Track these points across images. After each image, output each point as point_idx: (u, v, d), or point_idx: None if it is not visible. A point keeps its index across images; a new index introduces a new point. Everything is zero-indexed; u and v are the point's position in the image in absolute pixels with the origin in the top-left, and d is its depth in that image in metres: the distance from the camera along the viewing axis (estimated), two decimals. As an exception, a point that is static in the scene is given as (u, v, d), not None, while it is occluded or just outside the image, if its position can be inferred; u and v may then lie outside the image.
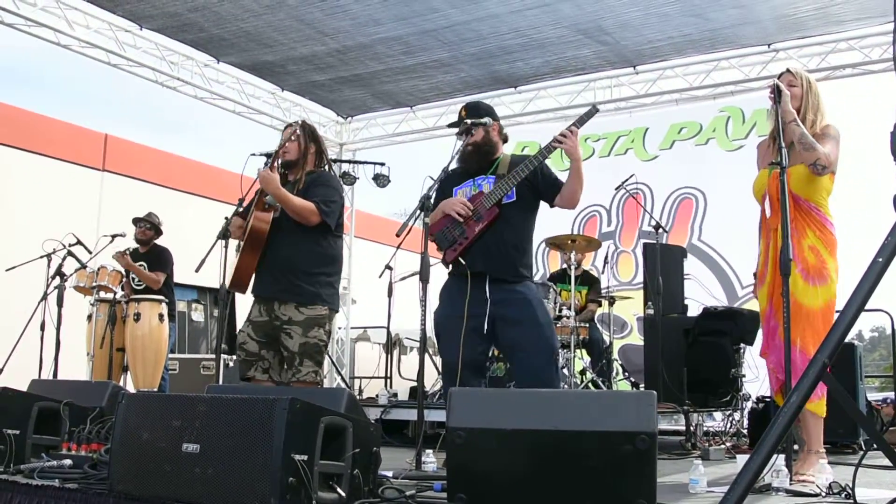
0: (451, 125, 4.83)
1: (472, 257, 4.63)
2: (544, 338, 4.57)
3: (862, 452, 5.81)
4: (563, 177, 4.75)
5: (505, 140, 5.04)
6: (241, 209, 5.12)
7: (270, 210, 5.00)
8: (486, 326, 4.54)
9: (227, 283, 5.00)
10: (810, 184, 4.19)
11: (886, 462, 2.26)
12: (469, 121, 4.80)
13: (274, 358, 5.03)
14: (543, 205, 4.84)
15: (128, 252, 8.07)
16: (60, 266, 7.68)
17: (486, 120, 4.82)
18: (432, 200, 4.56)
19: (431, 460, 4.32)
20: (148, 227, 8.31)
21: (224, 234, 4.99)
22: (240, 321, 6.82)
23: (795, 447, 4.29)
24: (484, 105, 5.00)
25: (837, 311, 3.66)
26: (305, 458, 2.84)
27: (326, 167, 5.31)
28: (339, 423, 3.07)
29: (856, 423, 5.88)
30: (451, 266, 4.75)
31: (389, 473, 3.98)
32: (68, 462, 3.76)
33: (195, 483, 2.92)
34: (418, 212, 4.51)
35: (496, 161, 4.83)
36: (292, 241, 4.97)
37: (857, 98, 9.00)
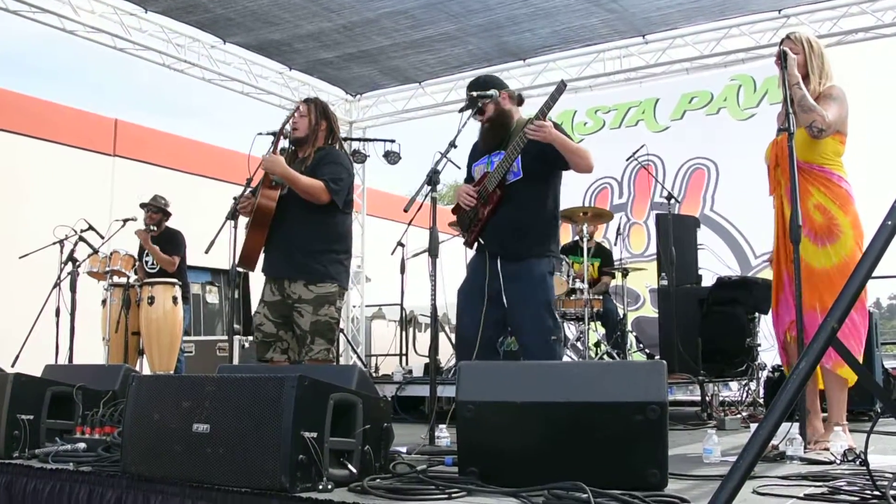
0: (461, 110, 4.77)
1: (487, 237, 4.72)
2: (540, 319, 4.60)
3: (875, 419, 5.78)
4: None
5: (520, 103, 5.01)
6: (248, 189, 5.11)
7: (278, 188, 4.99)
8: (504, 301, 4.61)
9: (236, 260, 5.00)
10: (810, 147, 4.14)
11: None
12: (475, 94, 4.75)
13: (292, 338, 5.04)
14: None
15: (150, 230, 8.10)
16: (72, 252, 7.69)
17: (492, 92, 4.77)
18: (438, 175, 4.54)
19: (445, 435, 4.32)
20: (154, 210, 8.30)
21: (233, 215, 4.98)
22: (254, 302, 6.83)
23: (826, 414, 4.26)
24: (487, 78, 4.96)
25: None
26: (315, 435, 2.84)
27: (336, 145, 5.28)
28: (349, 400, 3.06)
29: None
30: (475, 246, 4.82)
31: (403, 449, 3.99)
32: (82, 445, 3.78)
33: (206, 463, 2.93)
34: (426, 187, 4.50)
35: (512, 131, 4.78)
36: (300, 219, 4.96)
37: (870, 62, 8.88)
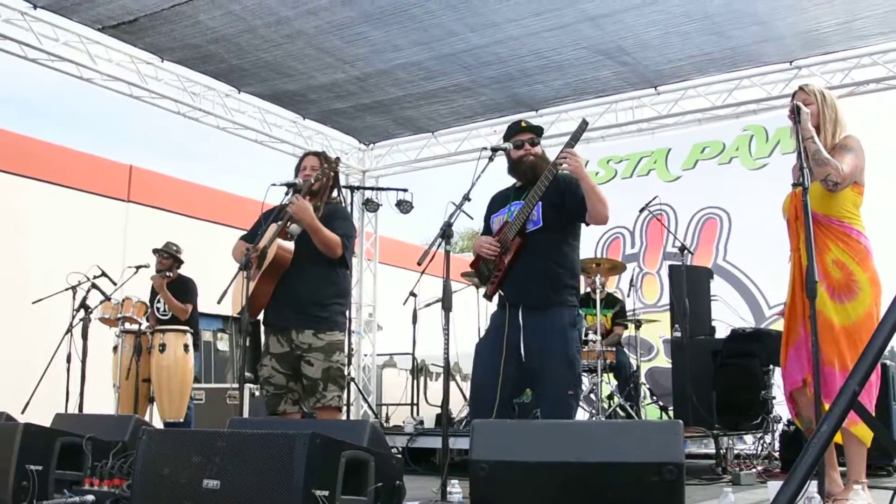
0: (509, 135, 4.83)
1: (507, 288, 4.68)
2: (557, 371, 4.50)
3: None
4: None
5: None
6: (246, 236, 5.20)
7: (292, 240, 5.00)
8: (523, 355, 4.53)
9: (238, 309, 5.02)
10: (827, 200, 4.12)
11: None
12: (530, 132, 4.82)
13: (302, 389, 5.03)
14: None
15: (165, 277, 8.10)
16: (85, 298, 7.70)
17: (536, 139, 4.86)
18: (451, 228, 4.54)
19: (457, 490, 4.26)
20: (165, 256, 8.30)
21: (246, 265, 4.98)
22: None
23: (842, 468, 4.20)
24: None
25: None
26: (327, 493, 2.81)
27: (340, 198, 5.42)
28: (361, 458, 3.03)
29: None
30: (494, 299, 4.79)
31: (415, 504, 3.94)
32: (91, 498, 3.75)
33: (216, 520, 2.89)
34: (439, 239, 4.50)
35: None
36: (310, 272, 5.01)
37: (882, 113, 8.88)
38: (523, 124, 4.85)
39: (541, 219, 4.61)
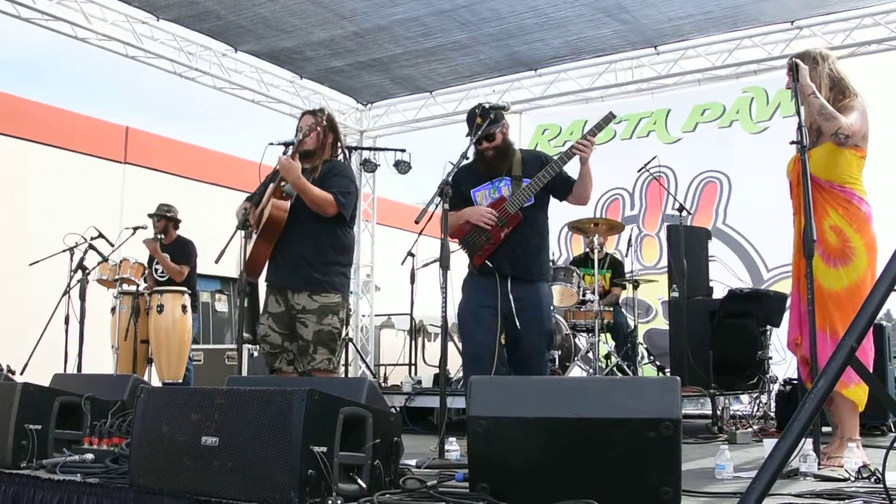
0: (470, 134, 4.85)
1: (499, 260, 4.81)
2: (544, 344, 4.91)
3: (893, 435, 5.73)
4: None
5: None
6: (251, 196, 5.15)
7: (288, 198, 4.98)
8: (517, 323, 4.74)
9: (243, 269, 5.02)
10: (830, 164, 4.09)
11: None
12: (487, 118, 4.82)
13: (297, 349, 5.03)
14: None
15: (157, 239, 8.09)
16: (82, 260, 7.69)
17: (503, 122, 4.97)
18: (450, 186, 4.56)
19: (455, 448, 4.30)
20: (157, 218, 8.28)
21: (243, 225, 4.96)
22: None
23: (827, 429, 4.22)
24: (494, 106, 4.99)
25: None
26: (325, 449, 2.81)
27: (341, 156, 5.32)
28: (359, 414, 3.03)
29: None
30: (476, 270, 4.88)
31: (413, 462, 3.96)
32: (90, 456, 3.76)
33: (214, 477, 2.90)
34: (437, 198, 4.51)
35: (515, 159, 4.99)
36: (309, 231, 4.98)
37: (884, 74, 8.81)
38: (478, 121, 4.83)
39: (533, 197, 4.82)
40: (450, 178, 4.57)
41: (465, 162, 4.83)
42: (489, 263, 4.79)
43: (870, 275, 4.04)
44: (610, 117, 4.87)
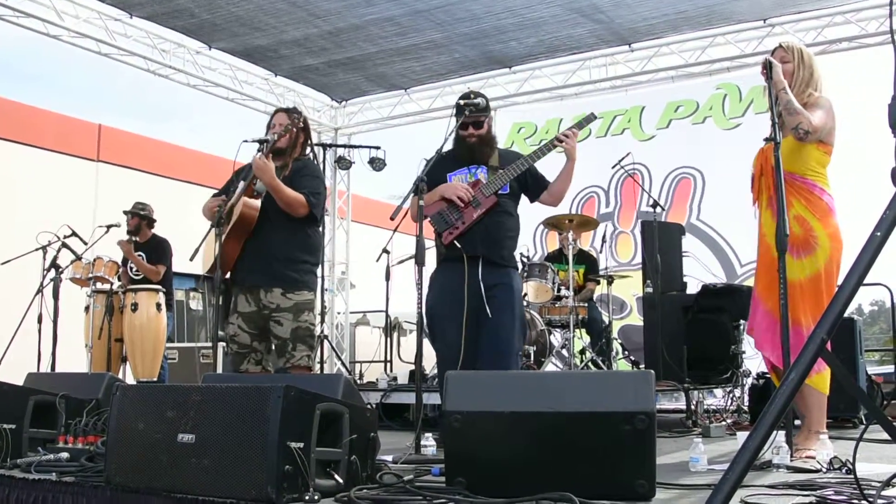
0: (460, 112, 4.91)
1: (470, 241, 4.78)
2: (517, 332, 4.87)
3: (863, 427, 5.80)
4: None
5: None
6: (220, 192, 5.18)
7: (259, 197, 4.99)
8: (487, 309, 4.72)
9: (208, 267, 5.05)
10: (793, 157, 4.15)
11: (886, 436, 2.23)
12: (473, 106, 4.90)
13: (266, 349, 5.03)
14: None
15: (132, 241, 8.04)
16: (55, 258, 7.63)
17: (490, 114, 5.06)
18: (425, 183, 4.58)
19: (431, 444, 4.32)
20: (131, 216, 8.23)
21: (218, 223, 4.95)
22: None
23: (798, 422, 4.28)
24: (482, 95, 5.07)
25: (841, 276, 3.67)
26: (302, 445, 2.82)
27: (311, 154, 5.35)
28: (336, 410, 3.04)
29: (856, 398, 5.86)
30: (445, 250, 4.84)
31: (389, 458, 3.97)
32: (65, 455, 3.74)
33: (191, 474, 2.90)
34: (412, 195, 4.52)
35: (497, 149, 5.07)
36: (280, 230, 4.98)
37: (854, 72, 8.92)
38: (470, 105, 4.90)
39: (507, 185, 4.87)
40: (425, 175, 4.58)
41: (446, 149, 4.90)
42: (458, 244, 4.76)
43: (833, 265, 4.12)
44: (591, 117, 4.98)
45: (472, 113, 4.86)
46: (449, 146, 4.96)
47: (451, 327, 4.72)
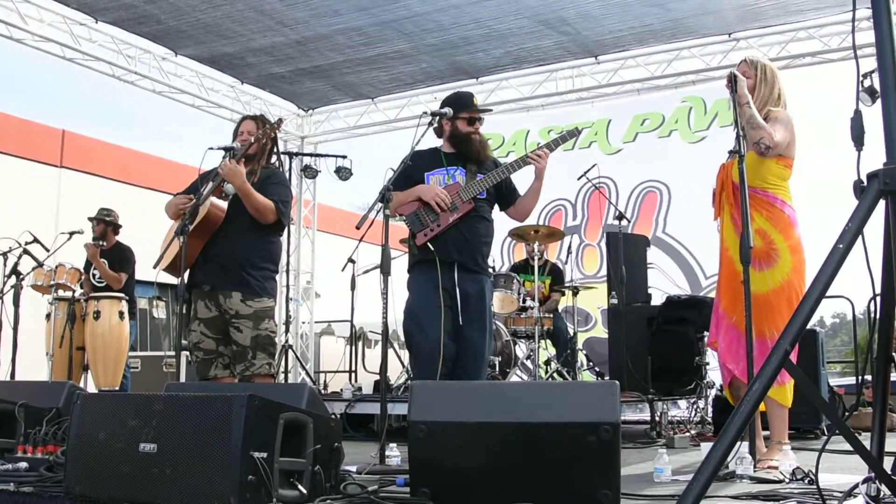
0: (465, 106, 5.02)
1: (444, 246, 4.81)
2: (487, 340, 4.92)
3: (825, 438, 5.86)
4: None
5: None
6: (186, 192, 5.19)
7: (227, 199, 4.97)
8: (459, 316, 4.77)
9: (166, 265, 5.05)
10: (754, 171, 4.19)
11: (849, 447, 2.25)
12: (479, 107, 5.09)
13: (232, 353, 4.99)
14: None
15: (99, 245, 7.94)
16: (16, 265, 7.53)
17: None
18: (391, 192, 4.57)
19: (396, 454, 4.30)
20: (96, 222, 8.15)
21: (182, 231, 4.91)
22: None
23: (766, 433, 4.31)
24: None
25: (805, 286, 3.70)
26: (265, 455, 2.79)
27: (276, 162, 5.37)
28: (299, 420, 3.01)
29: (818, 409, 5.92)
30: (417, 251, 4.85)
31: (353, 468, 3.95)
32: (24, 465, 3.67)
33: (153, 484, 2.86)
34: (378, 204, 4.51)
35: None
36: (244, 235, 4.98)
37: (817, 86, 9.05)
38: (477, 101, 5.10)
39: (484, 192, 4.90)
40: (391, 185, 4.57)
41: (423, 148, 4.90)
42: (431, 247, 4.78)
43: (796, 277, 4.16)
44: (575, 132, 5.09)
45: (481, 109, 5.01)
46: (424, 146, 4.94)
47: (432, 326, 4.72)
